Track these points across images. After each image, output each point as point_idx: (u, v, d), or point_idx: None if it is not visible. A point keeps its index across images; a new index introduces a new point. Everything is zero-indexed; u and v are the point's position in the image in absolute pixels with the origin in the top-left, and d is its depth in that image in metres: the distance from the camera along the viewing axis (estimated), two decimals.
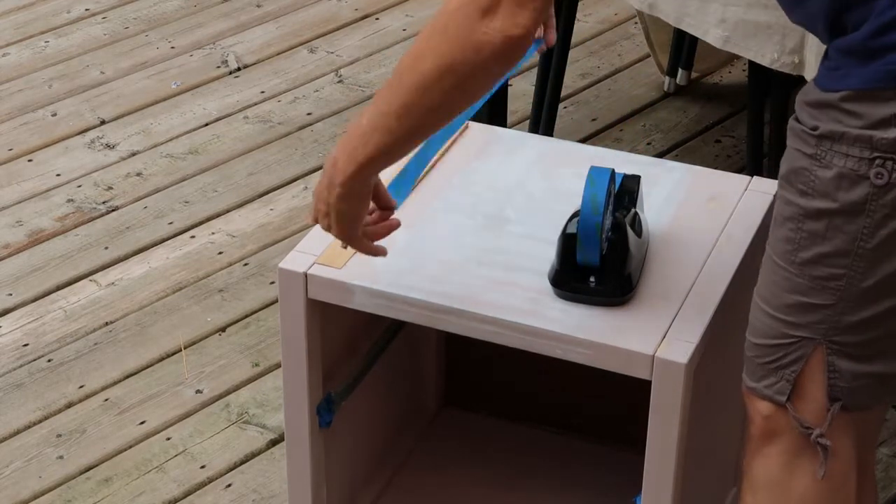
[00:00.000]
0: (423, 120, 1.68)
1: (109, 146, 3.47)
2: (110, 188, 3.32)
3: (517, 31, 1.58)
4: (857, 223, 1.61)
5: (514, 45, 1.59)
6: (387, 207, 1.83)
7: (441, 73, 1.62)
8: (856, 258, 1.63)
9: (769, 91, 3.02)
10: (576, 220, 1.85)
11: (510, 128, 2.82)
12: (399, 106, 1.66)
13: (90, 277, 3.04)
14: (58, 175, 3.36)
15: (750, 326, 1.75)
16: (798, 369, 1.70)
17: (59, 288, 3.02)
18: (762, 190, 2.09)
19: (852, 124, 1.59)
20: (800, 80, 2.72)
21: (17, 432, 2.66)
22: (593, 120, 3.54)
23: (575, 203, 1.89)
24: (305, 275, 1.91)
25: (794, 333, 1.69)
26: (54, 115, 3.59)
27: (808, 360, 1.69)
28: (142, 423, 2.68)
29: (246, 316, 2.94)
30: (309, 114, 3.60)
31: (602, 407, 2.31)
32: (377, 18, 4.01)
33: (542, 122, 3.21)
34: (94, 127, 3.54)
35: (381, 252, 1.84)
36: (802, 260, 1.66)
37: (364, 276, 1.90)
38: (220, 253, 3.12)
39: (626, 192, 1.95)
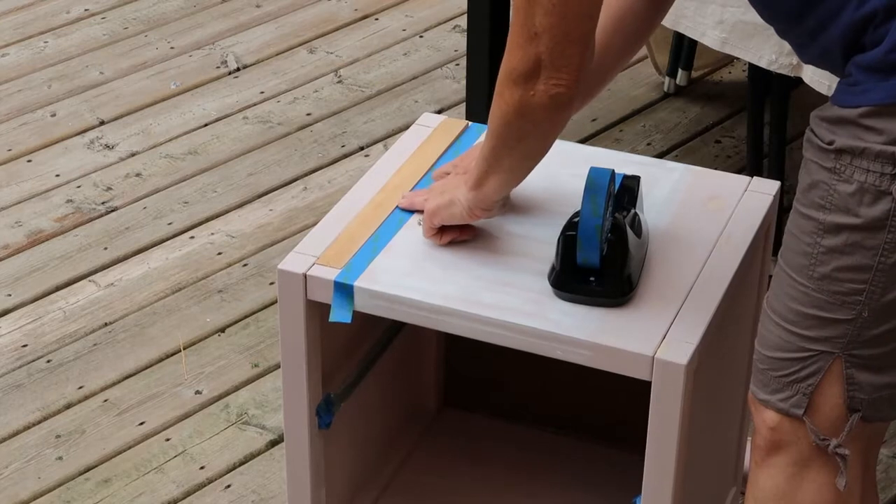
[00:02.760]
0: (511, 166, 1.84)
1: (109, 147, 3.47)
2: (109, 189, 3.32)
3: (560, 89, 1.69)
4: (878, 238, 1.61)
5: (560, 102, 1.70)
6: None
7: (503, 132, 1.77)
8: (876, 273, 1.62)
9: (769, 91, 3.02)
10: (576, 220, 1.84)
11: None
12: (490, 153, 1.83)
13: (89, 278, 3.04)
14: (57, 175, 3.36)
15: (761, 338, 1.74)
16: (815, 382, 1.69)
17: (58, 288, 3.02)
18: (762, 190, 2.08)
19: (873, 140, 1.58)
20: (800, 82, 2.72)
21: (17, 433, 2.66)
22: (593, 120, 3.54)
23: (575, 204, 1.89)
24: (305, 276, 1.90)
25: (812, 347, 1.68)
26: (53, 115, 3.59)
27: (826, 374, 1.69)
28: (141, 423, 2.68)
29: (245, 317, 2.94)
30: (308, 114, 3.60)
31: (602, 407, 2.31)
32: (377, 19, 4.00)
33: None
34: (93, 127, 3.54)
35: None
36: (820, 275, 1.65)
37: (363, 278, 1.89)
38: (220, 253, 3.11)
39: (625, 192, 1.94)
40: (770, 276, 1.88)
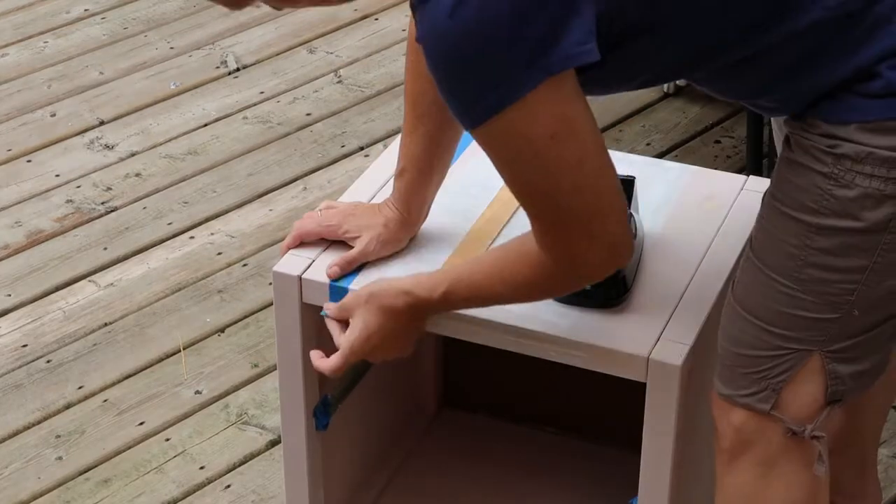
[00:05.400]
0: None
1: (108, 147, 3.47)
2: (109, 189, 3.32)
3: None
4: (877, 239, 1.61)
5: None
6: None
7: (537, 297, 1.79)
8: (871, 273, 1.62)
9: None
10: None
11: None
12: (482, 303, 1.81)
13: (89, 278, 3.05)
14: (57, 176, 3.36)
15: (729, 336, 1.73)
16: (787, 378, 1.69)
17: (58, 289, 3.02)
18: (758, 189, 2.08)
19: (878, 145, 1.57)
20: None
21: (17, 433, 2.66)
22: None
23: None
24: (300, 278, 1.90)
25: (790, 346, 1.68)
26: (53, 115, 3.59)
27: (800, 370, 1.68)
28: (141, 423, 2.68)
29: (245, 317, 2.94)
30: (308, 114, 3.60)
31: (600, 407, 2.31)
32: (376, 19, 4.00)
33: None
34: (93, 127, 3.54)
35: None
36: (809, 276, 1.64)
37: (358, 281, 1.90)
38: (220, 254, 3.12)
39: None
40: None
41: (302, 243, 1.98)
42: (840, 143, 1.59)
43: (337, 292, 1.89)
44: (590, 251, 1.62)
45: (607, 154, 1.59)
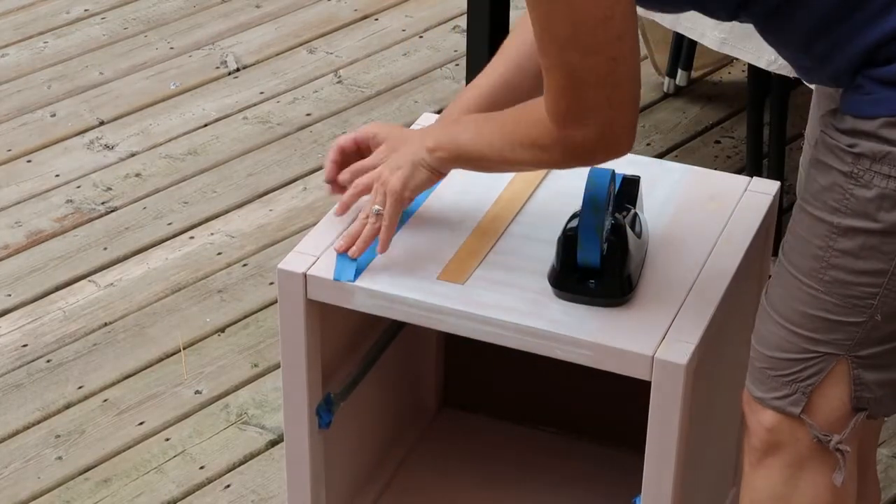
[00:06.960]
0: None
1: (108, 147, 3.47)
2: (109, 189, 3.32)
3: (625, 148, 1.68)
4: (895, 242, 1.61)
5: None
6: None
7: (530, 164, 1.78)
8: (892, 278, 1.61)
9: (769, 91, 3.02)
10: (576, 220, 1.85)
11: None
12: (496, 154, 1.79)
13: (89, 278, 3.04)
14: (57, 176, 3.36)
15: (760, 338, 1.73)
16: (816, 382, 1.69)
17: (58, 289, 3.02)
18: (762, 190, 2.09)
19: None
20: (799, 82, 2.72)
21: (16, 433, 2.66)
22: None
23: (575, 204, 1.89)
24: (305, 275, 1.90)
25: (817, 349, 1.68)
26: (53, 115, 3.59)
27: (828, 374, 1.68)
28: (141, 423, 2.68)
29: (245, 316, 2.94)
30: (308, 114, 3.60)
31: (602, 407, 2.31)
32: (376, 19, 4.01)
33: None
34: (93, 128, 3.54)
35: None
36: (832, 278, 1.64)
37: (363, 277, 1.89)
38: (220, 254, 3.11)
39: (625, 192, 1.94)
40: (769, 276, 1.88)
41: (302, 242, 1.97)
42: (859, 143, 1.59)
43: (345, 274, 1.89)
44: (587, 125, 1.63)
45: (635, 34, 1.59)
